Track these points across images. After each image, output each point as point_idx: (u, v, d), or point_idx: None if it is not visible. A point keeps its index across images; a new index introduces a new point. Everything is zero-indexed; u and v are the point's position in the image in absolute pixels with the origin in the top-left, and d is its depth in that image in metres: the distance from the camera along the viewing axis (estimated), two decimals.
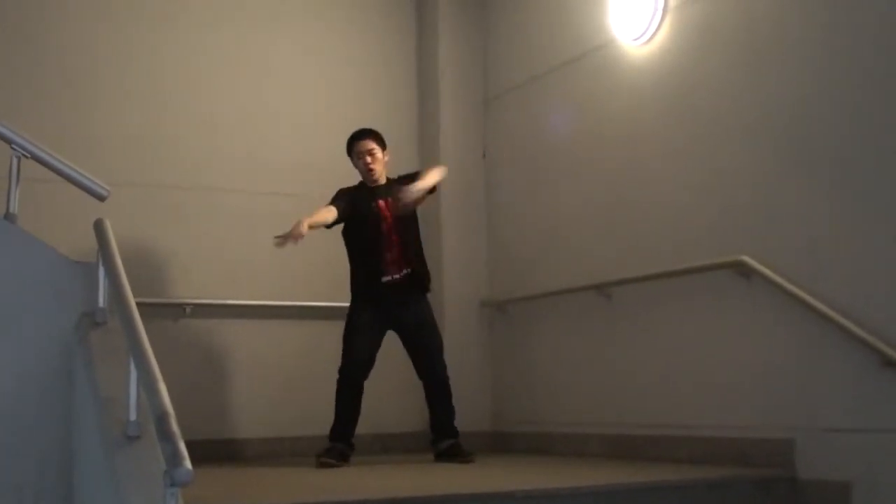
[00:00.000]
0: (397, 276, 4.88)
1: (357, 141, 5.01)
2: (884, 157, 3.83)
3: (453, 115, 6.25)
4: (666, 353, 4.75)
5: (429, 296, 5.06)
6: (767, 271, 4.16)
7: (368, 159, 4.95)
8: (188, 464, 2.30)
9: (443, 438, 4.92)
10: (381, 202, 4.92)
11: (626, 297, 5.00)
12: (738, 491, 3.88)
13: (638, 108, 5.05)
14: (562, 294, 5.41)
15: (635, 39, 5.06)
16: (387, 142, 5.04)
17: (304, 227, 4.58)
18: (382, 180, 5.02)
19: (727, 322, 4.43)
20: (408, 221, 4.96)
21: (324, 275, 5.64)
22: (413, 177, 4.97)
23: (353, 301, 4.99)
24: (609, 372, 5.12)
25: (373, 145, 4.98)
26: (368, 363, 4.88)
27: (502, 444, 5.81)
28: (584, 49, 5.46)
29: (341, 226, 4.98)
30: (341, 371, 4.85)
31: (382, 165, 5.01)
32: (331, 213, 4.83)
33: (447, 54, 6.27)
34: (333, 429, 4.83)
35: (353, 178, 5.05)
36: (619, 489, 3.66)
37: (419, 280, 4.96)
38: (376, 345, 4.92)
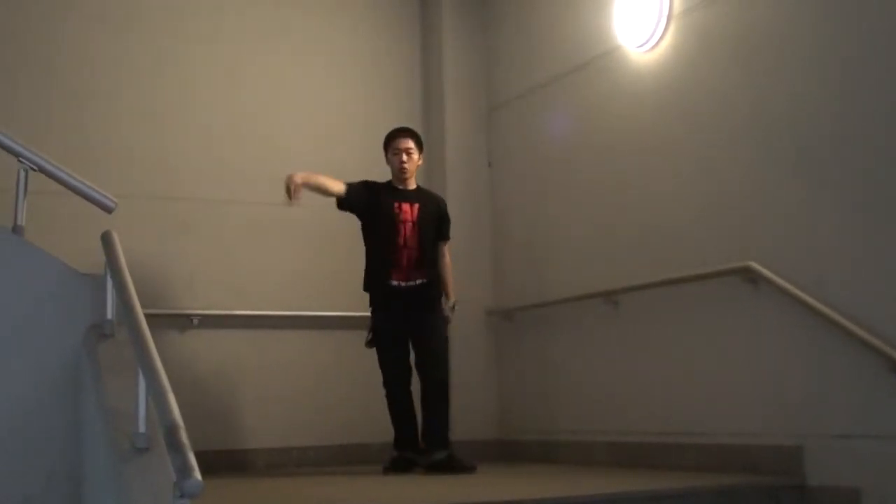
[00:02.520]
0: (410, 283, 4.82)
1: (396, 138, 4.96)
2: (891, 162, 3.83)
3: (458, 124, 6.26)
4: (673, 360, 4.74)
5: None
6: (775, 277, 4.15)
7: (404, 157, 4.91)
8: (198, 475, 2.30)
9: (437, 449, 4.75)
10: (406, 206, 4.88)
11: (633, 304, 5.00)
12: (747, 498, 3.87)
13: (643, 114, 5.05)
14: (568, 302, 5.40)
15: (640, 46, 5.06)
16: None
17: (298, 178, 4.60)
18: (412, 185, 4.99)
19: (734, 328, 4.42)
20: (432, 231, 4.91)
21: (331, 285, 5.65)
22: (445, 219, 4.99)
23: (371, 302, 4.95)
24: (616, 379, 5.11)
25: (411, 144, 4.94)
26: (408, 372, 4.89)
27: (509, 452, 5.79)
28: (588, 56, 5.47)
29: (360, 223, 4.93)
30: (385, 385, 4.89)
31: (415, 167, 4.98)
32: (336, 185, 4.79)
33: (452, 63, 6.30)
34: (395, 439, 4.92)
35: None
36: (626, 497, 3.65)
37: (434, 289, 4.91)
38: (407, 351, 4.91)
